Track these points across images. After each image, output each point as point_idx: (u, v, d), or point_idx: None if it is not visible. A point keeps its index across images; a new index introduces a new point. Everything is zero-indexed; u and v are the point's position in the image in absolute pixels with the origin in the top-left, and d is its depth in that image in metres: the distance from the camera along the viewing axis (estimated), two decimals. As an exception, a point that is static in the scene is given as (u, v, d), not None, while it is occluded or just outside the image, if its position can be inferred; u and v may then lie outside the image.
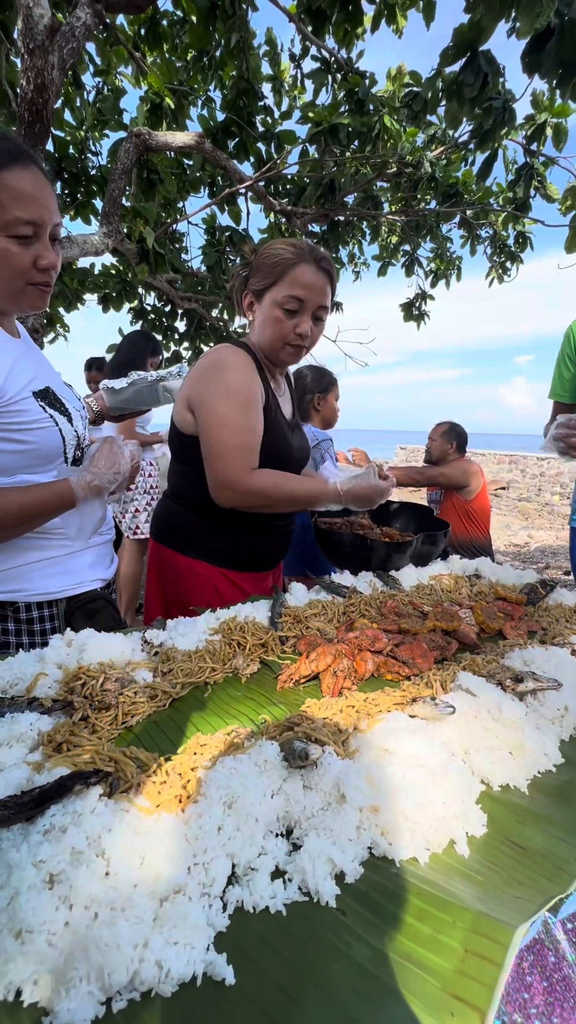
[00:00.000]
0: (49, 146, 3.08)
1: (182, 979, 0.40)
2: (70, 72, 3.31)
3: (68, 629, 0.88)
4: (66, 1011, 0.36)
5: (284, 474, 1.23)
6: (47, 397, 0.95)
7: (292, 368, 1.42)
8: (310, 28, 3.26)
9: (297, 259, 1.17)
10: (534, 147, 3.72)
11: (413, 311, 5.56)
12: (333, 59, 3.55)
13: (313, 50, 3.64)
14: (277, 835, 0.53)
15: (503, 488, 10.32)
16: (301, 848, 0.50)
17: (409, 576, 1.34)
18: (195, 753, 0.62)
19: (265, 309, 1.21)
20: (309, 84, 3.80)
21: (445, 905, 0.46)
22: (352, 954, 0.43)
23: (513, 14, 2.21)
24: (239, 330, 5.57)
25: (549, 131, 3.55)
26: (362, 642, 0.91)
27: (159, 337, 5.98)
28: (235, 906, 0.46)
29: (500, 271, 5.13)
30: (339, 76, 3.60)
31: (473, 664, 0.89)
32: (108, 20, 3.24)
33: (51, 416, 0.93)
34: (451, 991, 0.40)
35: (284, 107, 4.14)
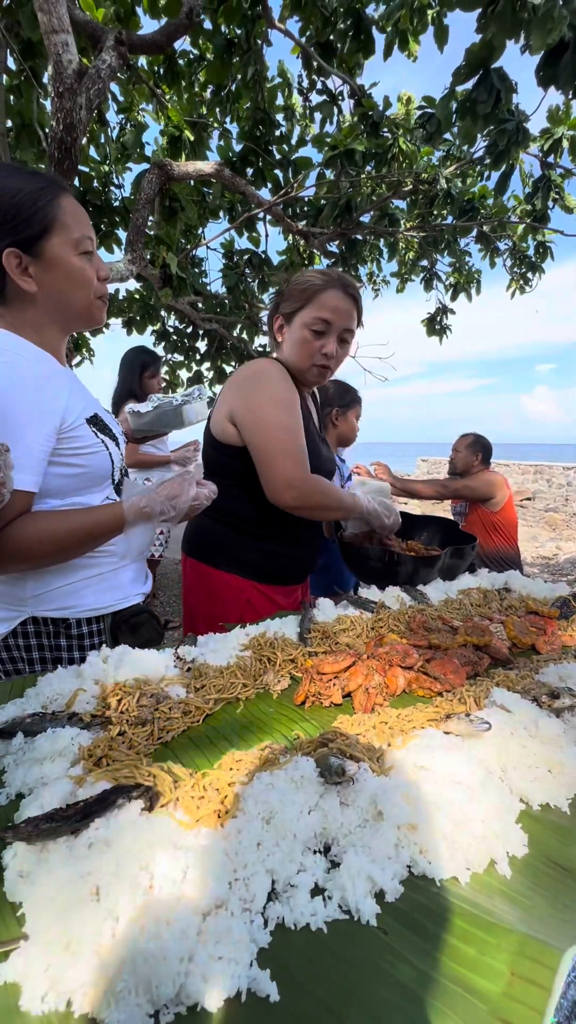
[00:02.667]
0: (75, 181, 3.23)
1: (227, 994, 0.40)
2: (95, 111, 3.50)
3: (104, 645, 0.90)
4: (116, 1022, 0.37)
5: (327, 481, 1.30)
6: (97, 423, 1.00)
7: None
8: (320, 57, 3.37)
9: (326, 285, 1.24)
10: (551, 159, 3.73)
11: (435, 325, 5.58)
12: (345, 85, 3.66)
13: (319, 83, 3.77)
14: (315, 852, 0.53)
15: (529, 499, 10.13)
16: (340, 865, 0.50)
17: (437, 590, 1.33)
18: (231, 768, 0.62)
19: (294, 331, 1.28)
20: (317, 115, 3.94)
21: (490, 927, 0.46)
22: (396, 974, 0.43)
23: (525, 31, 2.24)
24: (259, 349, 5.67)
25: (566, 144, 3.56)
26: (392, 658, 0.91)
27: (180, 358, 6.13)
28: (276, 923, 0.46)
29: (521, 282, 5.11)
30: (353, 101, 3.70)
31: (507, 680, 0.88)
32: (131, 61, 3.41)
33: (102, 441, 0.98)
34: (499, 1015, 0.39)
35: (297, 135, 4.26)
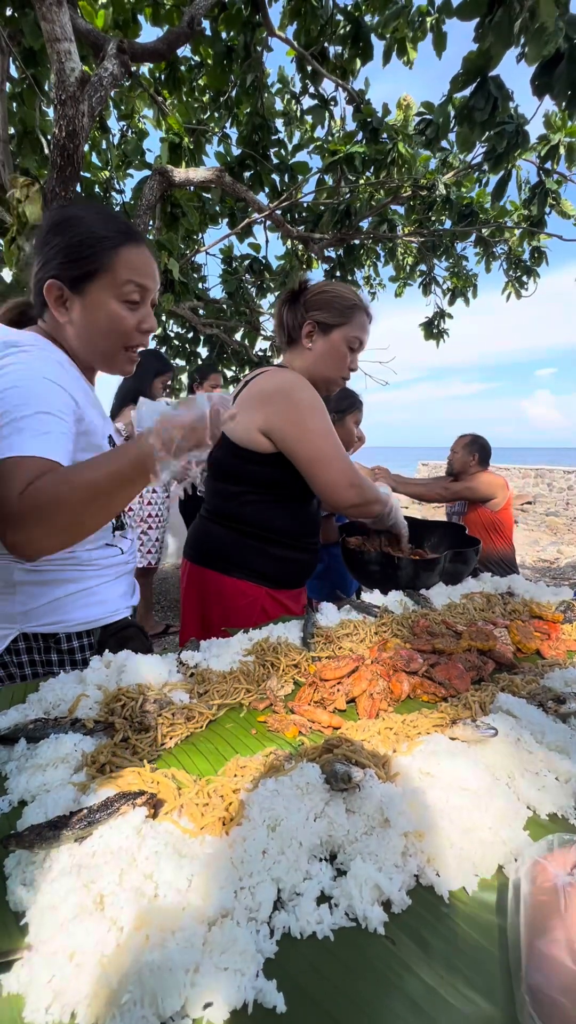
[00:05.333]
0: (77, 187, 3.25)
1: (233, 1006, 0.39)
2: (97, 118, 3.51)
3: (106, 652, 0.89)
4: (122, 1035, 0.36)
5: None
6: (112, 444, 1.01)
7: None
8: (318, 64, 3.40)
9: (361, 306, 1.36)
10: (548, 166, 3.76)
11: (433, 329, 5.60)
12: (341, 91, 3.69)
13: (312, 88, 3.81)
14: (321, 860, 0.52)
15: (529, 503, 10.13)
16: (347, 874, 0.49)
17: (440, 595, 1.32)
18: (235, 775, 0.62)
19: (335, 343, 1.34)
20: (308, 119, 3.99)
21: (504, 970, 0.44)
22: (404, 987, 0.42)
23: (522, 40, 2.26)
24: (259, 354, 5.68)
25: (562, 150, 3.59)
26: (396, 663, 0.90)
27: (182, 363, 6.14)
28: (282, 932, 0.46)
29: (517, 286, 5.13)
30: (352, 108, 3.73)
31: (512, 685, 0.87)
32: (132, 69, 3.43)
33: None
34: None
35: (296, 140, 4.30)
